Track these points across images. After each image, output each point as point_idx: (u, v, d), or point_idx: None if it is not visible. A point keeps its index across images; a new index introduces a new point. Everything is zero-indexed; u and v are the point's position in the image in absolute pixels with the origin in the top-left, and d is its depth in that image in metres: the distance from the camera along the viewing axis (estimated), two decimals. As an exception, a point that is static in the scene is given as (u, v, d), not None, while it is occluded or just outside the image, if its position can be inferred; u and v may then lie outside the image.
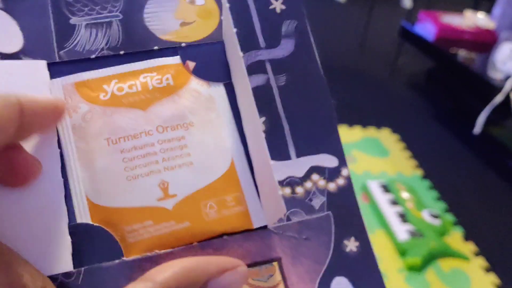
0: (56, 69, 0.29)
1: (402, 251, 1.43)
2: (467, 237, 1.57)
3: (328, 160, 0.29)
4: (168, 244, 0.26)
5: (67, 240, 0.26)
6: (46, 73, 0.28)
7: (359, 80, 2.56)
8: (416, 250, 1.42)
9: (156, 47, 0.30)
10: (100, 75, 0.29)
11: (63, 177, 0.27)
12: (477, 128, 1.90)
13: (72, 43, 0.29)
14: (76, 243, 0.26)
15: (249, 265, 0.27)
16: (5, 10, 0.29)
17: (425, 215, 1.56)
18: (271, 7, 0.31)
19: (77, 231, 0.26)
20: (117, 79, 0.29)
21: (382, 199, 1.61)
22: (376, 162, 1.88)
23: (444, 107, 2.38)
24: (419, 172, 1.86)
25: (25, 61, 0.28)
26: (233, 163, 0.28)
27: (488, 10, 2.51)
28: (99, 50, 0.29)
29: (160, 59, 0.30)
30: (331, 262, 0.27)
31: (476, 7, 2.71)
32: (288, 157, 0.29)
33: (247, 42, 0.31)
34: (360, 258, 0.28)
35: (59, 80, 0.28)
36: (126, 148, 0.27)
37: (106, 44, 0.30)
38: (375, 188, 1.67)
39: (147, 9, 0.31)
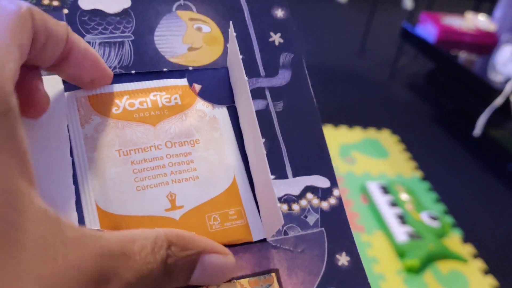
0: (71, 85, 0.30)
1: (401, 252, 1.44)
2: (465, 239, 1.58)
3: (321, 181, 0.32)
4: None
5: None
6: (61, 86, 0.30)
7: (360, 81, 2.56)
8: (415, 252, 1.42)
9: (165, 69, 0.32)
10: (112, 90, 0.30)
11: (74, 184, 0.28)
12: (477, 130, 1.91)
13: None
14: None
15: (249, 275, 0.29)
16: None
17: (424, 217, 1.57)
18: (270, 39, 0.35)
19: None
20: (128, 95, 0.30)
21: (381, 200, 1.62)
22: (376, 163, 1.89)
23: (444, 109, 2.38)
24: (418, 174, 1.87)
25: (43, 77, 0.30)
26: (235, 179, 0.30)
27: (489, 12, 2.51)
28: (112, 68, 0.31)
29: (169, 80, 0.31)
30: (325, 274, 0.29)
31: (477, 9, 2.71)
32: (285, 176, 0.31)
33: (249, 70, 0.33)
34: (351, 272, 0.30)
35: (73, 93, 0.29)
36: (136, 160, 0.29)
37: (119, 63, 0.31)
38: (374, 189, 1.67)
39: (158, 32, 0.33)
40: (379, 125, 2.15)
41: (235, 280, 0.28)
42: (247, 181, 0.31)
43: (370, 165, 1.87)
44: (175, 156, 0.29)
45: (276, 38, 0.35)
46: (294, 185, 0.31)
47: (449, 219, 1.64)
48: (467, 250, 1.53)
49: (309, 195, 0.31)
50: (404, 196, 1.65)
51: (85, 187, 0.28)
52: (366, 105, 2.34)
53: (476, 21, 2.32)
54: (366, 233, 1.53)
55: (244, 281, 0.28)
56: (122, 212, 0.27)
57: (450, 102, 2.36)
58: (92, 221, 0.27)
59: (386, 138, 2.08)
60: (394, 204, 1.60)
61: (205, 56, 0.33)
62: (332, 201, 0.31)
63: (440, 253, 1.46)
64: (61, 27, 0.25)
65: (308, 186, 0.31)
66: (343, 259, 0.30)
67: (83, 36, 0.31)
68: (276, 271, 0.29)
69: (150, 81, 0.31)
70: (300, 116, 0.33)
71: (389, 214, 1.56)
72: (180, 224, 0.28)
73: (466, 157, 2.04)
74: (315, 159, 0.32)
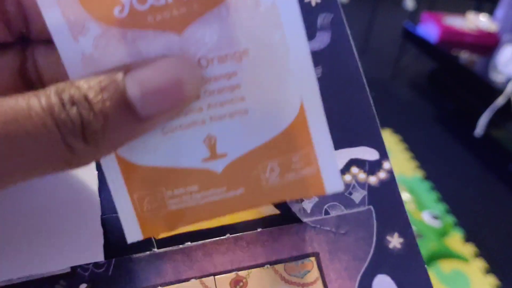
0: None
1: (403, 251, 1.43)
2: (467, 239, 1.57)
3: (368, 153, 0.29)
4: (218, 214, 0.22)
5: (99, 231, 0.25)
6: None
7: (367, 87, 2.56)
8: (417, 251, 1.42)
9: None
10: None
11: None
12: (479, 130, 1.90)
13: None
14: (108, 234, 0.25)
15: (284, 260, 0.26)
16: None
17: (426, 216, 1.56)
18: (306, 0, 0.31)
19: (108, 222, 0.25)
20: None
21: (383, 199, 1.61)
22: (377, 162, 1.88)
23: (446, 109, 2.38)
24: (420, 174, 1.86)
25: None
26: (303, 107, 0.21)
27: (491, 12, 2.51)
28: None
29: None
30: (373, 259, 0.26)
31: (478, 9, 2.71)
32: None
33: None
34: (404, 256, 0.27)
35: None
36: None
37: None
38: (376, 188, 1.67)
39: None
40: (380, 125, 2.14)
41: (268, 266, 0.26)
42: (321, 108, 0.21)
43: (371, 164, 1.86)
44: (214, 80, 0.20)
45: None
46: (336, 158, 0.27)
47: (450, 219, 1.63)
48: (469, 249, 1.52)
49: (354, 169, 0.28)
50: (405, 196, 1.64)
51: None
52: (367, 103, 2.33)
53: (478, 21, 2.32)
54: (368, 231, 1.52)
55: (279, 267, 0.26)
56: (148, 162, 0.21)
57: (451, 102, 2.36)
58: (114, 177, 0.21)
59: (388, 138, 2.07)
60: (395, 203, 1.60)
61: None
62: (382, 175, 0.29)
63: (442, 252, 1.46)
64: None
65: (353, 159, 0.28)
66: (395, 241, 0.27)
67: None
68: (316, 255, 0.26)
69: None
70: (342, 82, 0.30)
71: (391, 213, 1.56)
72: (223, 178, 0.21)
73: (467, 157, 2.04)
74: (361, 129, 0.29)
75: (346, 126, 0.29)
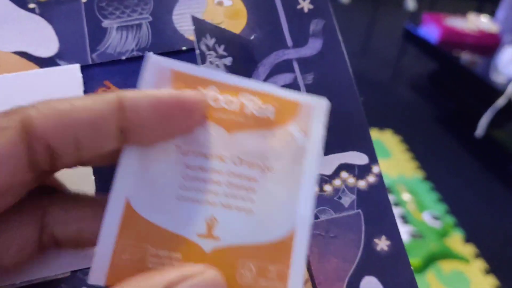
0: (89, 72, 0.29)
1: (403, 252, 1.43)
2: (467, 239, 1.57)
3: (357, 158, 0.29)
4: None
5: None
6: (79, 75, 0.29)
7: (362, 81, 2.56)
8: (417, 251, 1.42)
9: (184, 48, 0.30)
10: (201, 74, 0.25)
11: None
12: (479, 131, 1.90)
13: (104, 46, 0.30)
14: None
15: None
16: (42, 15, 0.30)
17: (426, 217, 1.56)
18: (298, 6, 0.32)
19: None
20: (215, 86, 0.25)
21: (384, 200, 1.61)
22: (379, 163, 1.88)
23: (447, 110, 2.38)
24: (420, 174, 1.87)
25: (59, 67, 0.29)
26: (294, 233, 0.24)
27: (492, 13, 2.51)
28: (129, 51, 0.30)
29: (270, 85, 0.25)
30: (361, 261, 0.27)
31: (479, 10, 2.71)
32: None
33: (275, 42, 0.31)
34: (391, 258, 0.28)
35: (157, 61, 0.25)
36: (192, 165, 0.24)
37: (136, 45, 0.30)
38: (376, 188, 1.67)
39: (176, 10, 0.31)
40: (381, 126, 2.15)
41: None
42: (307, 241, 0.24)
43: (372, 165, 1.86)
44: (237, 177, 0.24)
45: (305, 5, 0.32)
46: (326, 164, 0.29)
47: (450, 219, 1.64)
48: (469, 250, 1.52)
49: (344, 174, 0.29)
50: (406, 196, 1.64)
51: (123, 173, 0.23)
52: (368, 105, 2.32)
53: (479, 22, 2.32)
54: (368, 232, 1.52)
55: None
56: (152, 218, 0.23)
57: (452, 102, 2.36)
58: (113, 216, 0.22)
59: (388, 138, 2.07)
60: (396, 204, 1.60)
61: None
62: (371, 179, 0.29)
63: (442, 253, 1.46)
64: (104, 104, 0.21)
65: (343, 164, 0.29)
66: (382, 244, 0.28)
67: (100, 22, 0.30)
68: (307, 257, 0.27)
69: (247, 79, 0.25)
70: (333, 87, 0.31)
71: (391, 214, 1.56)
72: (208, 258, 0.23)
73: (468, 158, 2.04)
74: (351, 134, 0.30)
75: (336, 131, 0.30)
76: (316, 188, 0.28)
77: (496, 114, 1.87)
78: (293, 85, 0.30)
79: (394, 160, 1.93)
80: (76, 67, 0.29)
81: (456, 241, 1.55)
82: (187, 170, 0.24)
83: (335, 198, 0.28)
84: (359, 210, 0.28)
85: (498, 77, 1.96)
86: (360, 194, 0.29)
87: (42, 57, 0.29)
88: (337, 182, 0.29)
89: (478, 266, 1.47)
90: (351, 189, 0.29)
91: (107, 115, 0.20)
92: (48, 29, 0.30)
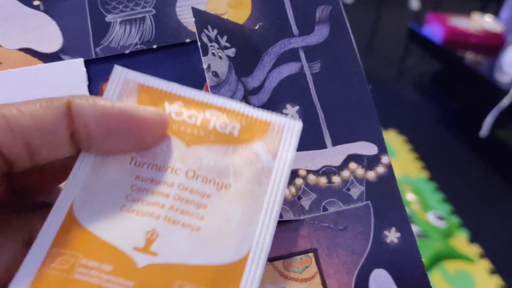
0: (93, 66, 0.29)
1: (408, 251, 1.43)
2: (472, 239, 1.56)
3: (366, 148, 0.29)
4: None
5: None
6: (83, 70, 0.29)
7: (367, 81, 2.55)
8: (421, 251, 1.39)
9: (188, 40, 0.30)
10: (168, 89, 0.25)
11: None
12: (484, 131, 1.90)
13: (107, 40, 0.30)
14: None
15: (284, 256, 0.26)
16: (46, 11, 0.30)
17: (431, 217, 1.56)
18: None
19: None
20: (182, 102, 0.25)
21: (388, 200, 1.61)
22: (382, 163, 1.88)
23: (451, 109, 2.37)
24: (425, 174, 1.86)
25: (63, 62, 0.29)
26: (246, 259, 0.22)
27: (496, 13, 2.50)
28: (133, 45, 0.30)
29: (238, 103, 0.25)
30: (370, 254, 0.27)
31: (483, 9, 2.70)
32: (323, 146, 0.29)
33: (280, 31, 0.31)
34: (401, 250, 0.27)
35: (123, 73, 0.24)
36: (144, 176, 0.23)
37: (140, 39, 0.30)
38: (381, 188, 1.66)
39: (179, 2, 0.31)
40: (385, 125, 2.14)
41: (268, 262, 0.26)
42: (262, 266, 0.22)
43: (376, 165, 1.86)
44: (188, 192, 0.23)
45: None
46: (334, 155, 0.28)
47: (455, 219, 1.63)
48: (474, 250, 1.52)
49: (353, 165, 0.28)
50: (410, 196, 1.64)
51: (73, 179, 0.22)
52: (372, 104, 2.33)
53: (483, 22, 2.31)
54: (372, 232, 1.52)
55: (278, 263, 0.26)
56: (90, 227, 0.22)
57: (456, 102, 2.35)
58: (52, 225, 0.22)
59: (393, 138, 2.07)
60: (400, 203, 1.60)
61: None
62: (380, 169, 0.28)
63: (447, 253, 1.46)
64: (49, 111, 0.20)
65: (351, 155, 0.28)
66: (392, 236, 0.27)
67: (103, 16, 0.30)
68: (314, 251, 0.26)
69: (216, 97, 0.25)
70: (341, 76, 0.30)
71: (396, 213, 1.55)
72: (138, 275, 0.21)
73: (472, 158, 2.03)
74: (360, 124, 0.29)
75: (345, 121, 0.29)
76: (325, 180, 0.28)
77: (501, 114, 1.86)
78: (299, 75, 0.30)
79: (398, 160, 1.92)
80: (80, 61, 0.29)
81: (461, 241, 1.55)
82: (137, 181, 0.23)
83: (343, 190, 0.28)
84: (368, 202, 0.28)
85: (503, 77, 1.95)
86: (369, 185, 0.28)
87: (46, 52, 0.29)
88: (345, 173, 0.28)
89: (483, 266, 1.47)
90: (360, 180, 0.28)
91: (56, 122, 0.20)
92: (52, 25, 0.30)
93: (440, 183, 1.81)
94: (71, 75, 0.28)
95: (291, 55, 0.30)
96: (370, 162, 0.29)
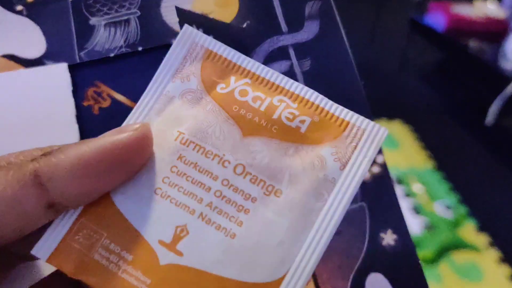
0: (78, 71, 0.29)
1: (415, 244, 1.42)
2: (480, 229, 1.55)
3: None
4: None
5: None
6: (67, 75, 0.28)
7: (369, 72, 2.54)
8: (429, 243, 1.41)
9: (173, 41, 0.29)
10: (238, 61, 0.22)
11: None
12: (490, 119, 1.88)
13: (92, 44, 0.29)
14: None
15: None
16: (29, 16, 0.29)
17: (438, 207, 1.55)
18: None
19: None
20: (250, 80, 0.22)
21: (394, 191, 1.60)
22: (388, 154, 1.86)
23: (456, 98, 2.36)
24: (431, 164, 1.85)
25: (46, 67, 0.28)
26: (283, 280, 0.19)
27: (499, -1, 2.48)
28: (118, 48, 0.29)
29: (317, 94, 0.22)
30: (366, 257, 0.26)
31: (486, -4, 2.68)
32: None
33: (268, 28, 0.30)
34: (398, 253, 0.26)
35: (192, 34, 0.22)
36: (188, 159, 0.21)
37: (125, 41, 0.30)
38: (386, 180, 1.66)
39: (164, 3, 0.31)
40: (390, 116, 2.13)
41: None
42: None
43: (382, 156, 1.85)
44: (233, 190, 0.20)
45: None
46: None
47: (463, 209, 1.62)
48: (482, 239, 1.51)
49: None
50: (417, 187, 1.63)
51: None
52: (376, 96, 2.32)
53: (486, 9, 2.30)
54: (379, 224, 1.51)
55: None
56: (121, 207, 0.20)
57: (461, 91, 2.34)
58: None
59: (398, 129, 2.06)
60: (407, 195, 1.59)
61: None
62: (375, 169, 0.27)
63: (455, 243, 1.45)
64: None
65: None
66: (388, 238, 0.26)
67: (87, 19, 0.30)
68: None
69: (288, 80, 0.22)
70: (332, 72, 0.29)
71: (403, 206, 1.54)
72: (158, 272, 0.19)
73: (478, 146, 2.02)
74: None
75: None
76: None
77: (506, 101, 1.84)
78: (289, 73, 0.29)
79: (403, 150, 1.91)
80: (64, 66, 0.28)
81: (469, 231, 1.54)
82: (179, 162, 0.20)
83: None
84: (363, 203, 0.27)
85: (507, 64, 1.94)
86: (364, 186, 0.27)
87: (29, 58, 0.29)
88: None
89: (491, 255, 1.46)
90: None
91: (23, 198, 0.18)
92: (36, 30, 0.29)
93: (446, 173, 1.80)
94: (55, 80, 0.28)
95: (280, 53, 0.30)
96: None
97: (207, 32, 0.29)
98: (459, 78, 2.23)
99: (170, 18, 0.30)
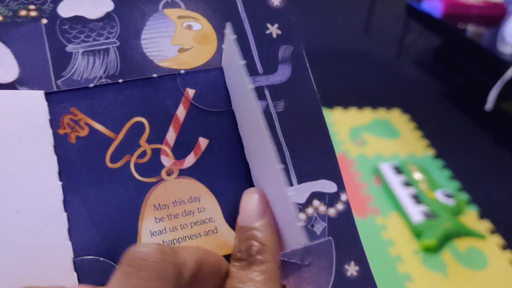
0: (54, 99, 0.28)
1: (417, 233, 1.43)
2: (482, 216, 1.56)
3: (327, 186, 0.30)
4: None
5: (73, 275, 0.26)
6: (44, 103, 0.27)
7: (367, 61, 2.54)
8: (431, 231, 1.41)
9: (154, 75, 0.29)
10: None
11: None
12: (489, 104, 1.88)
13: (69, 72, 0.28)
14: (82, 278, 0.26)
15: None
16: None
17: (439, 195, 1.55)
18: (267, 32, 0.31)
19: (82, 266, 0.26)
20: None
21: (395, 181, 1.61)
22: (388, 143, 1.87)
23: (454, 84, 2.35)
24: (431, 152, 1.85)
25: (22, 91, 0.27)
26: None
27: (496, -18, 2.46)
28: (98, 78, 0.29)
29: None
30: (333, 287, 0.28)
31: (483, -21, 2.66)
32: (290, 183, 0.29)
33: (246, 69, 0.30)
34: (360, 282, 0.28)
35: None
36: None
37: (104, 72, 0.29)
38: (387, 170, 1.66)
39: (144, 35, 0.30)
40: (388, 105, 2.13)
41: None
42: None
43: (382, 146, 1.85)
44: None
45: (274, 30, 0.32)
46: (300, 192, 0.29)
47: (464, 196, 1.63)
48: (484, 226, 1.52)
49: (316, 202, 0.29)
50: (417, 176, 1.63)
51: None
52: (374, 85, 2.32)
53: (483, -7, 2.28)
54: (381, 215, 1.51)
55: None
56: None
57: (459, 77, 2.33)
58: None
59: (397, 118, 2.06)
60: (408, 184, 1.59)
61: (197, 57, 0.30)
62: (340, 206, 0.29)
63: (457, 231, 1.45)
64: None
65: (314, 192, 0.29)
66: (351, 269, 0.28)
67: (64, 46, 0.29)
68: (283, 287, 0.27)
69: None
70: (302, 115, 0.31)
71: (404, 195, 1.55)
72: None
73: (478, 132, 2.02)
74: (321, 162, 0.30)
75: (308, 160, 0.30)
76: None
77: (505, 86, 1.83)
78: (266, 113, 0.30)
79: (403, 139, 1.92)
80: (40, 94, 0.27)
81: (471, 218, 1.54)
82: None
83: (308, 226, 0.29)
84: (330, 238, 0.29)
85: (506, 48, 1.92)
86: (330, 221, 0.29)
87: (0, 83, 0.27)
88: (309, 210, 0.29)
89: (494, 242, 1.46)
90: (322, 216, 0.29)
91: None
92: (7, 53, 0.28)
93: (446, 160, 1.81)
94: (30, 107, 0.27)
95: (257, 94, 0.30)
96: (331, 199, 0.29)
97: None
98: (457, 64, 2.22)
99: (150, 50, 0.30)
